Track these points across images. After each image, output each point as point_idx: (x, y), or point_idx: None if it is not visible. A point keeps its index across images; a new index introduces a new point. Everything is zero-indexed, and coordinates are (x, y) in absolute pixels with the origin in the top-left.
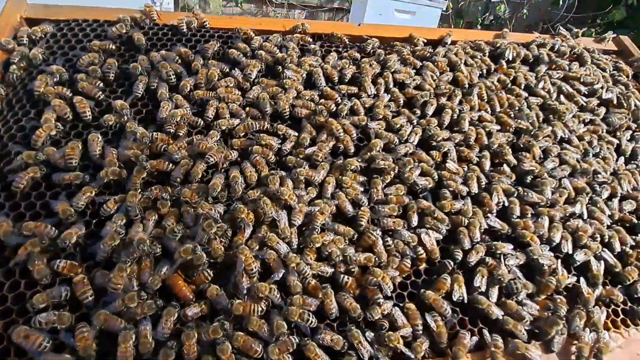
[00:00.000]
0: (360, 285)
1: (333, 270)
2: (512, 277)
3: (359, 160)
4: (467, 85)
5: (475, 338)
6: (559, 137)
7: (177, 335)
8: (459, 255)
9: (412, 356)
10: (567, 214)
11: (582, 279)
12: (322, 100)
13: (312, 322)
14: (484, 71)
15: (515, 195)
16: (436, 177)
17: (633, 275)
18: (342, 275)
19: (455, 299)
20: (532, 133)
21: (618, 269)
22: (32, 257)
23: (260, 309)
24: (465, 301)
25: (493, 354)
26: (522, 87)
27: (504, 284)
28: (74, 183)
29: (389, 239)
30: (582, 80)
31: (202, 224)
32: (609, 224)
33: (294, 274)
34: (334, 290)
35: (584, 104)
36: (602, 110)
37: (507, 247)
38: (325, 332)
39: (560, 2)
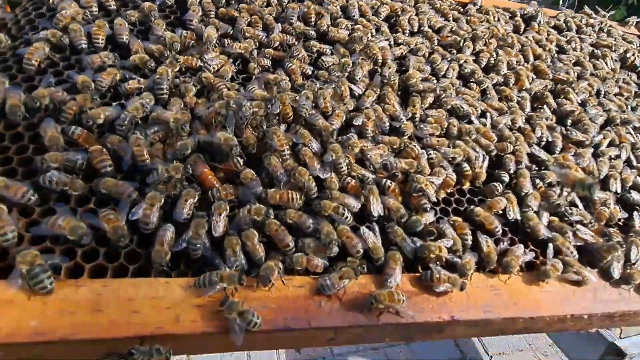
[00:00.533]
0: (403, 194)
1: (374, 176)
2: (566, 203)
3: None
4: (501, 36)
5: (529, 256)
6: (595, 90)
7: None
8: (506, 178)
9: (464, 271)
10: (613, 156)
11: (635, 213)
12: (359, 26)
13: (347, 217)
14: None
15: (558, 131)
16: (480, 109)
17: None
18: (384, 180)
19: (510, 218)
20: (570, 83)
21: None
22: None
23: (297, 196)
24: (519, 219)
25: (547, 272)
26: (555, 46)
27: (559, 209)
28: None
29: (432, 153)
30: (612, 48)
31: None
32: None
33: (330, 166)
34: None
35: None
36: (634, 76)
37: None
38: None
39: (560, 2)
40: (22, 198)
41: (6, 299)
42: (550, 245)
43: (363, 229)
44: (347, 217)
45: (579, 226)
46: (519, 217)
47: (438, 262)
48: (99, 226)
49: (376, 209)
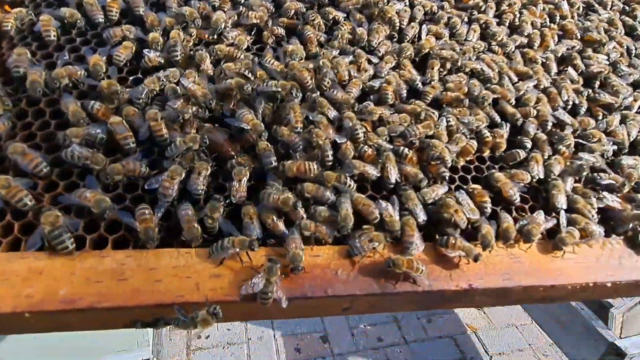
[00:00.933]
0: (421, 163)
1: (391, 146)
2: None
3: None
4: None
5: (551, 223)
6: (625, 48)
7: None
8: (528, 143)
9: (487, 242)
10: None
11: None
12: None
13: (351, 186)
14: None
15: (585, 94)
16: (505, 68)
17: None
18: (401, 147)
19: (533, 175)
20: (602, 43)
21: None
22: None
23: (315, 167)
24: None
25: (563, 239)
26: (583, 3)
27: (585, 173)
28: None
29: (451, 119)
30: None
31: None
32: None
33: (347, 133)
34: None
35: None
36: None
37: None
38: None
39: None
40: (35, 168)
41: (36, 269)
42: (563, 213)
43: (380, 201)
44: (350, 186)
45: (604, 193)
46: (542, 176)
47: (456, 228)
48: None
49: (393, 175)
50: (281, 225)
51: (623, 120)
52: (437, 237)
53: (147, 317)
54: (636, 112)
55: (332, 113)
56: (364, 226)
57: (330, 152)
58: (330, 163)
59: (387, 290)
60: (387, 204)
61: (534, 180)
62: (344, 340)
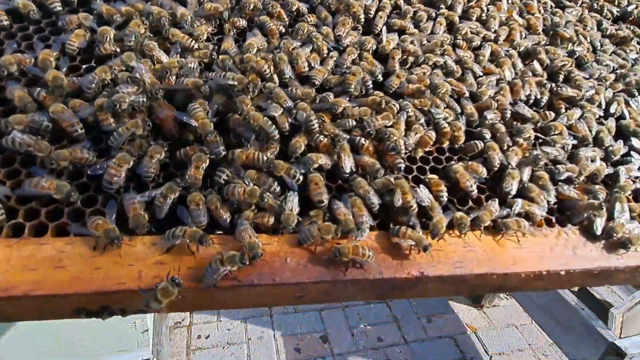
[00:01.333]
0: (378, 153)
1: (347, 136)
2: (550, 156)
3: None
4: None
5: (505, 211)
6: (590, 44)
7: None
8: (487, 134)
9: (437, 232)
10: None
11: (620, 168)
12: None
13: (299, 179)
14: None
15: (548, 88)
16: (471, 65)
17: None
18: (357, 137)
19: (495, 165)
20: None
21: None
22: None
23: (263, 157)
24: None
25: (506, 223)
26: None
27: (542, 163)
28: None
29: (410, 111)
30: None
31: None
32: None
33: (301, 124)
34: None
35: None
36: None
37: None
38: None
39: None
40: None
41: None
42: (520, 202)
43: (334, 201)
44: (298, 180)
45: (561, 184)
46: (506, 162)
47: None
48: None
49: (347, 165)
50: (225, 215)
51: (581, 114)
52: (390, 226)
53: (92, 306)
54: (598, 106)
55: (288, 104)
56: (311, 212)
57: (273, 132)
58: (277, 142)
59: (337, 278)
60: (341, 203)
61: (495, 168)
62: (344, 340)
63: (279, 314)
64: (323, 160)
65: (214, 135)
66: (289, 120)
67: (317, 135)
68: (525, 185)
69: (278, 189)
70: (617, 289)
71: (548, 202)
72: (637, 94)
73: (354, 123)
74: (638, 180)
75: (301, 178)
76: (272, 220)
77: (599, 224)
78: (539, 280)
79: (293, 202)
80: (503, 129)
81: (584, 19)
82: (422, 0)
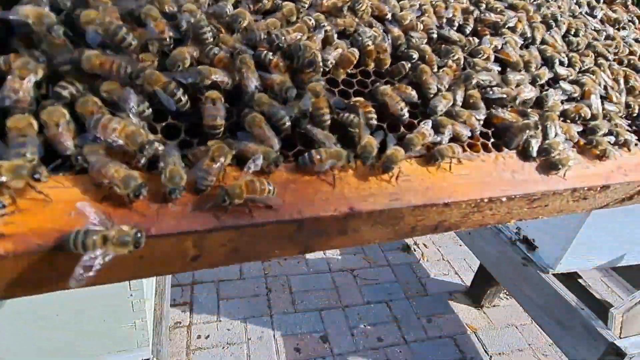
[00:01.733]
0: (291, 71)
1: (250, 51)
2: (484, 78)
3: None
4: None
5: (439, 137)
6: None
7: None
8: (415, 54)
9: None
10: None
11: (549, 90)
12: None
13: (180, 99)
14: None
15: (474, 15)
16: None
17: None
18: (264, 52)
19: (431, 89)
20: None
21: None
22: None
23: (128, 68)
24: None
25: (440, 150)
26: None
27: (474, 82)
28: None
29: (327, 26)
30: None
31: None
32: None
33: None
34: None
35: None
36: None
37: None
38: None
39: None
40: None
41: None
42: (450, 127)
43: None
44: (179, 100)
45: (495, 107)
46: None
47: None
48: None
49: (250, 84)
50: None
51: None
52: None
53: None
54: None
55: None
56: (209, 143)
57: (120, 33)
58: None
59: (242, 222)
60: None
61: (431, 94)
62: (343, 340)
63: (279, 314)
64: (219, 76)
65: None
66: (168, 30)
67: (211, 47)
68: (456, 110)
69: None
70: (617, 289)
71: (478, 120)
72: (554, 24)
73: (263, 36)
74: (564, 103)
75: (184, 99)
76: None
77: (534, 144)
78: (480, 211)
79: (171, 164)
80: (430, 49)
81: None
82: None
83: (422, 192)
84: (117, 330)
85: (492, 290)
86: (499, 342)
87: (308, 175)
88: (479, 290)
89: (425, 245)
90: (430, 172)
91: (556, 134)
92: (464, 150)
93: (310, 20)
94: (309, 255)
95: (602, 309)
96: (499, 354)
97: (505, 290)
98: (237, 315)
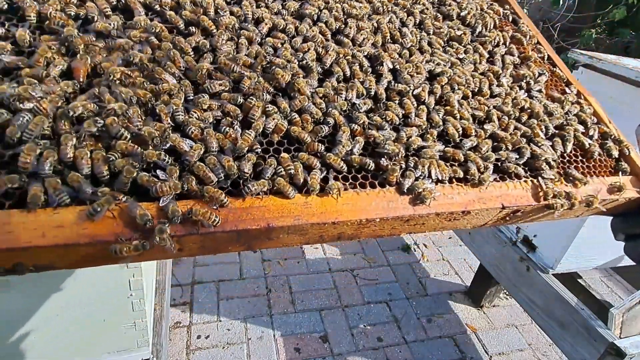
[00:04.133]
0: None
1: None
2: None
3: None
4: None
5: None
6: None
7: None
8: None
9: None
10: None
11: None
12: None
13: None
14: None
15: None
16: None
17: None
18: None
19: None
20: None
21: None
22: None
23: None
24: None
25: (331, 187)
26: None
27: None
28: None
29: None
30: None
31: None
32: None
33: None
34: None
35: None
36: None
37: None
38: None
39: (561, 2)
40: None
41: None
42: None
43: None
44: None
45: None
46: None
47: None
48: None
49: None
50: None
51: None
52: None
53: (7, 264)
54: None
55: None
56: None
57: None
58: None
59: (202, 231)
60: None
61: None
62: (343, 340)
63: (279, 314)
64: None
65: None
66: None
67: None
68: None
69: None
70: (617, 289)
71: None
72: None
73: None
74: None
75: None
76: None
77: (407, 183)
78: (364, 227)
79: None
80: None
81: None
82: None
83: (317, 215)
84: (117, 330)
85: (492, 291)
86: (499, 342)
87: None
88: (479, 290)
89: (425, 245)
90: (327, 201)
91: (422, 175)
92: (355, 187)
93: None
94: (308, 256)
95: (602, 309)
96: (499, 354)
97: (505, 290)
98: (237, 315)
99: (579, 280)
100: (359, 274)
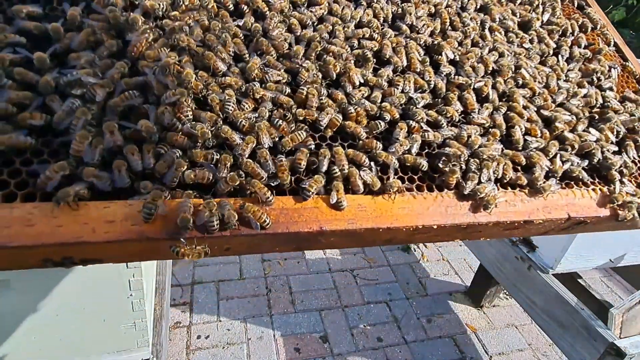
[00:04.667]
0: None
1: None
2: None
3: None
4: None
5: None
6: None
7: None
8: (387, 116)
9: None
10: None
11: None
12: None
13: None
14: None
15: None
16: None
17: None
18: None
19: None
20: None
21: None
22: None
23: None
24: None
25: (390, 185)
26: None
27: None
28: None
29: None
30: None
31: None
32: None
33: None
34: None
35: None
36: None
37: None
38: None
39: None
40: None
41: None
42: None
43: None
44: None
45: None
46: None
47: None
48: None
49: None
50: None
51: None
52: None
53: (56, 257)
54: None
55: None
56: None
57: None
58: None
59: (251, 233)
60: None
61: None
62: (343, 340)
63: (279, 314)
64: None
65: None
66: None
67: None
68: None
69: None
70: (617, 288)
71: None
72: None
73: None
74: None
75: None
76: None
77: (469, 186)
78: (419, 233)
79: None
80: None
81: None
82: None
83: (372, 219)
84: (117, 330)
85: (492, 291)
86: (499, 342)
87: (299, 204)
88: (479, 290)
89: (425, 245)
90: (381, 204)
91: (488, 179)
92: (411, 190)
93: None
94: (308, 256)
95: (602, 309)
96: (499, 354)
97: (505, 290)
98: (237, 315)
99: (579, 280)
100: (359, 274)
